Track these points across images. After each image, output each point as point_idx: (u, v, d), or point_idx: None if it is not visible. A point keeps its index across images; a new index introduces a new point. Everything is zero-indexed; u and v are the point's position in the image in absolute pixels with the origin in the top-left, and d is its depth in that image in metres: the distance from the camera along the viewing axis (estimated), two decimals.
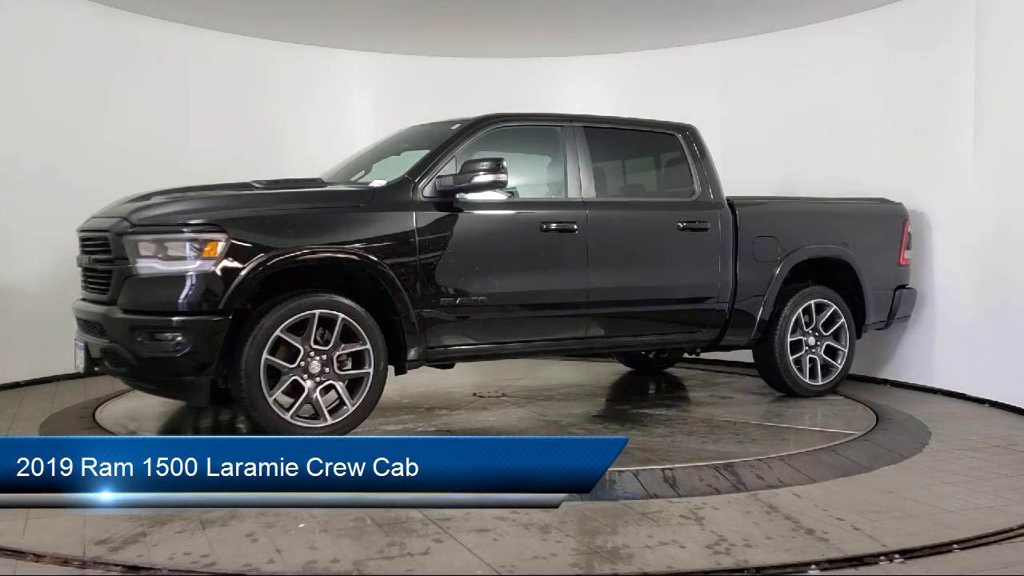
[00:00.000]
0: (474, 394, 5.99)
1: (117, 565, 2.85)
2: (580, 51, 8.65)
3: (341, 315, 4.38)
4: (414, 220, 4.63)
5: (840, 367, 5.92)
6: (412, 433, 4.85)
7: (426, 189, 4.72)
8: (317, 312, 4.33)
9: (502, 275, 4.88)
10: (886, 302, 6.12)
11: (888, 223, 6.23)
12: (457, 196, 4.74)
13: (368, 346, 4.45)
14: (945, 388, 6.27)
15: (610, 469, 3.79)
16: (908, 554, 3.02)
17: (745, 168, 7.32)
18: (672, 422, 5.11)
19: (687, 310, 5.47)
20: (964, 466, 4.30)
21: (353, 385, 4.47)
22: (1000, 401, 5.81)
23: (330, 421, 4.38)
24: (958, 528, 3.31)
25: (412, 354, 4.65)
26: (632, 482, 3.76)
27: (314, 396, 4.36)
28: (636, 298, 5.27)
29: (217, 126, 7.95)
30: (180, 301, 4.19)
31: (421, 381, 6.50)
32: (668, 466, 3.93)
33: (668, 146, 5.65)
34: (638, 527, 3.28)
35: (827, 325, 5.88)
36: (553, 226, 4.97)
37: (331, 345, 4.38)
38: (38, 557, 2.93)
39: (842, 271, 5.98)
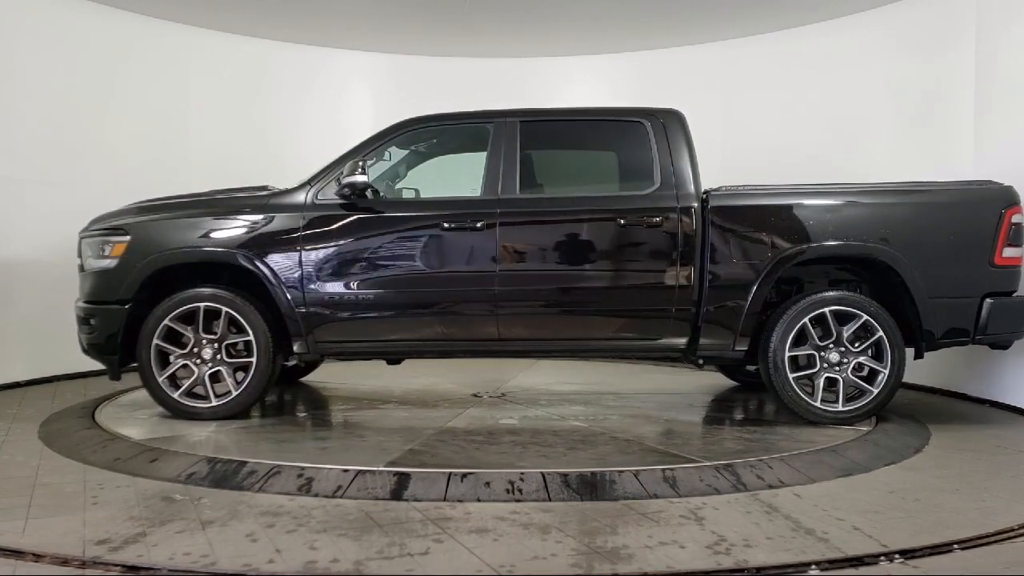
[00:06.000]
0: (473, 394, 5.99)
1: (117, 565, 2.84)
2: (580, 51, 8.66)
3: (224, 308, 4.93)
4: (300, 222, 4.94)
5: (875, 392, 4.89)
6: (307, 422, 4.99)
7: (320, 193, 5.00)
8: (202, 305, 4.93)
9: (393, 274, 4.95)
10: (968, 313, 4.94)
11: (972, 211, 4.97)
12: (354, 198, 4.96)
13: (252, 337, 4.93)
14: None
15: (610, 469, 3.83)
16: (908, 554, 3.01)
17: (745, 167, 7.33)
18: (546, 435, 4.61)
19: (631, 313, 4.97)
20: (964, 466, 4.30)
21: (245, 371, 5.00)
22: (1000, 401, 5.81)
23: (215, 403, 4.97)
24: (958, 528, 3.30)
25: (297, 347, 5.03)
26: (632, 482, 3.75)
27: (204, 379, 4.95)
28: (557, 299, 4.95)
29: (216, 125, 7.98)
30: (95, 293, 5.03)
31: (452, 379, 6.53)
32: (668, 466, 3.92)
33: (631, 136, 5.15)
34: (638, 527, 3.27)
35: (862, 339, 4.95)
36: (455, 225, 4.91)
37: (219, 335, 4.96)
38: (38, 557, 2.92)
39: (889, 273, 4.99)
